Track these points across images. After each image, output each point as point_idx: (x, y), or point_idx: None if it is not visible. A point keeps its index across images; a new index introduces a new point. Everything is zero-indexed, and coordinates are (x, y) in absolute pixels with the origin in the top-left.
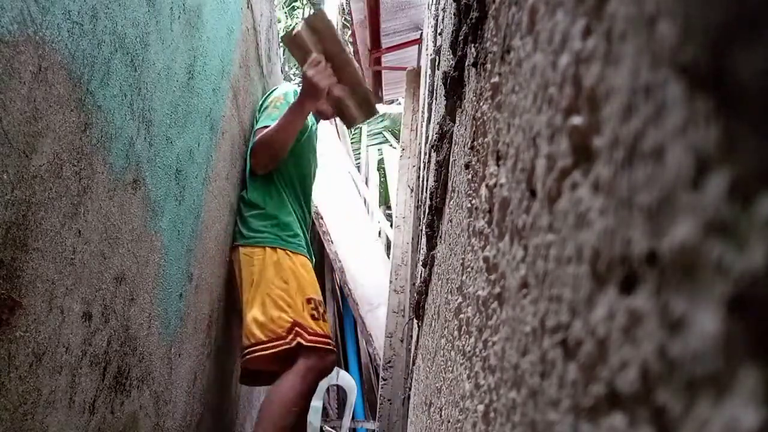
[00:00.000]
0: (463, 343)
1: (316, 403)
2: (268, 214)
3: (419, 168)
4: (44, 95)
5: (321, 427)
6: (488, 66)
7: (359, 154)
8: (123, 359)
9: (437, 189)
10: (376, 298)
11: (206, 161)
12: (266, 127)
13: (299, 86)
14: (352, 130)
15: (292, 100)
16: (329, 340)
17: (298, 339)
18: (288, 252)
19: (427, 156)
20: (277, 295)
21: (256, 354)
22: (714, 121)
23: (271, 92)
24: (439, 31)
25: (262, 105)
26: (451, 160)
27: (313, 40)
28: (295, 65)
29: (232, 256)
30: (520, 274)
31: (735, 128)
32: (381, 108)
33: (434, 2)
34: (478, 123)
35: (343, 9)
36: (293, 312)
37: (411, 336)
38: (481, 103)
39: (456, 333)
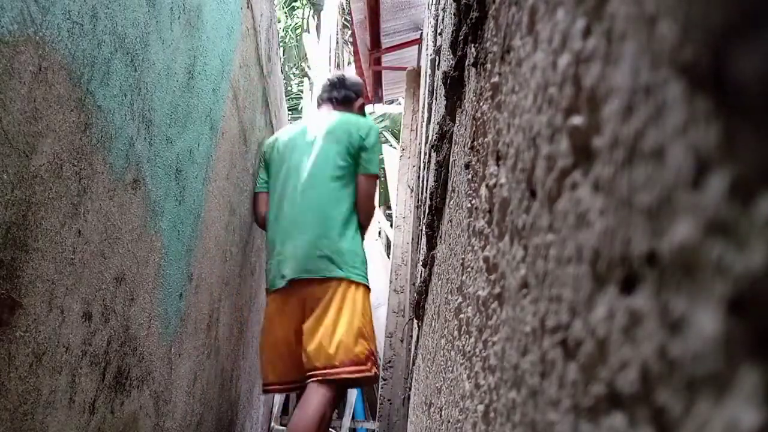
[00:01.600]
0: (463, 343)
1: None
2: (359, 249)
3: (419, 168)
4: (44, 95)
5: None
6: (488, 66)
7: None
8: (123, 359)
9: (437, 189)
10: (376, 298)
11: (206, 161)
12: (376, 176)
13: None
14: None
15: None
16: None
17: (374, 370)
18: (366, 287)
19: (427, 156)
20: (363, 324)
21: (340, 376)
22: (714, 121)
23: (370, 132)
24: (439, 31)
25: (364, 132)
26: (451, 160)
27: None
28: (295, 65)
29: (321, 287)
30: (520, 274)
31: (735, 128)
32: (381, 108)
33: (434, 2)
34: (478, 123)
35: (343, 9)
36: (371, 343)
37: (411, 336)
38: (481, 103)
39: (456, 333)
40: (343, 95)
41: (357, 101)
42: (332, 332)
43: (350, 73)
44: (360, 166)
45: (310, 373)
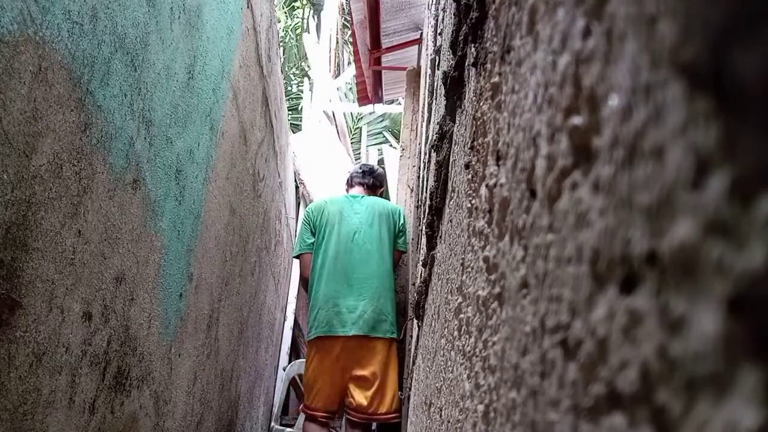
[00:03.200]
0: (463, 343)
1: None
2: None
3: (419, 168)
4: (44, 95)
5: None
6: (488, 66)
7: (359, 154)
8: (123, 359)
9: (437, 189)
10: None
11: (206, 161)
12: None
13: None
14: (352, 129)
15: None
16: None
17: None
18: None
19: (427, 156)
20: (397, 375)
21: (393, 419)
22: (714, 121)
23: (404, 218)
24: (439, 31)
25: (399, 218)
26: (451, 160)
27: None
28: (295, 65)
29: (379, 345)
30: (520, 274)
31: (735, 128)
32: (381, 108)
33: (434, 2)
34: (478, 123)
35: (343, 9)
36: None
37: (411, 336)
38: (481, 103)
39: (456, 333)
40: (372, 182)
41: (380, 189)
42: (386, 384)
43: (376, 165)
44: (398, 244)
45: (368, 416)
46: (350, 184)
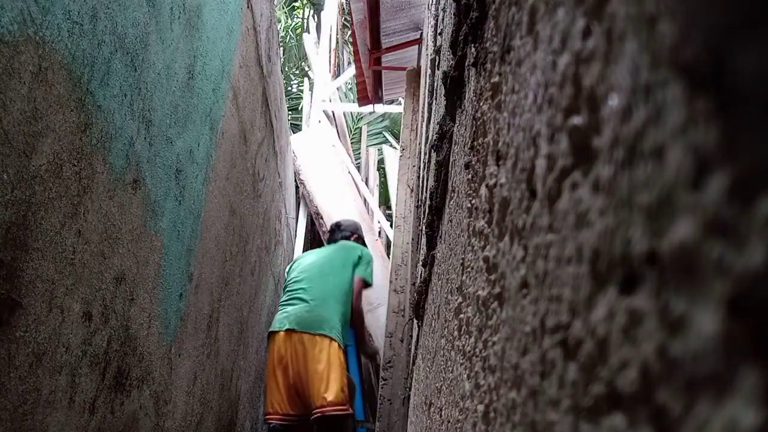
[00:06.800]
0: (463, 343)
1: None
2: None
3: (419, 168)
4: (44, 95)
5: None
6: (488, 66)
7: (359, 154)
8: (123, 359)
9: (437, 189)
10: (376, 298)
11: (206, 161)
12: (366, 283)
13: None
14: (352, 129)
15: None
16: None
17: (349, 408)
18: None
19: (427, 156)
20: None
21: (338, 412)
22: (714, 121)
23: (364, 252)
24: (439, 31)
25: (358, 258)
26: (451, 160)
27: None
28: (295, 65)
29: (319, 342)
30: (520, 274)
31: (735, 128)
32: (381, 108)
33: (434, 2)
34: (478, 123)
35: (343, 9)
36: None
37: (411, 336)
38: (481, 103)
39: (456, 333)
40: (340, 237)
41: (352, 237)
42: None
43: (345, 218)
44: (357, 271)
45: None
46: (327, 243)
